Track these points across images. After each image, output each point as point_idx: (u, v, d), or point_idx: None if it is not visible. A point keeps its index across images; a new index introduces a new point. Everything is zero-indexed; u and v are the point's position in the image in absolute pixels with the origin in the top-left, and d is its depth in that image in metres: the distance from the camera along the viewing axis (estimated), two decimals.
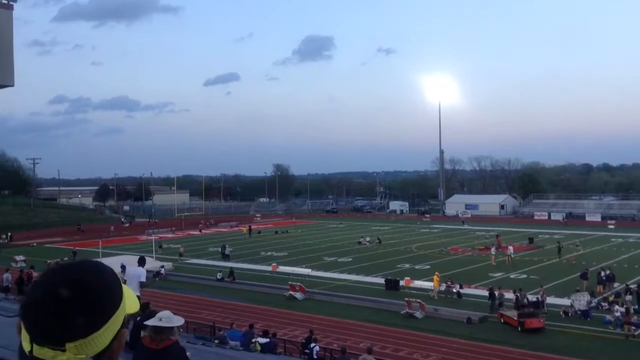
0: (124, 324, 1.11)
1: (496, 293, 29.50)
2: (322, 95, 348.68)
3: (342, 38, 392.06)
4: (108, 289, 1.07)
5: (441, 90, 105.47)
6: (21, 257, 45.52)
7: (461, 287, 33.03)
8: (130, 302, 1.14)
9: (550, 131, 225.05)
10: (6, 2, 7.97)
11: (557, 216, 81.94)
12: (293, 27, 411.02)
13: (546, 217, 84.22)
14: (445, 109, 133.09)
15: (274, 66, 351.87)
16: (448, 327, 26.32)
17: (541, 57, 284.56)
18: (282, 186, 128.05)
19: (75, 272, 1.06)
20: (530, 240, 55.07)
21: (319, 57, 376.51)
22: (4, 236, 60.57)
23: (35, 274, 33.49)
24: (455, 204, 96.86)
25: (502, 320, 26.77)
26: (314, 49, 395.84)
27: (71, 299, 1.00)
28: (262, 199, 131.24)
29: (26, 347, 1.02)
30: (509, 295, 29.26)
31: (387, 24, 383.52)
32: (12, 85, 8.33)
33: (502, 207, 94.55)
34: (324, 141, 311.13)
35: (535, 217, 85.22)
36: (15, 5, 8.14)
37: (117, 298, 1.08)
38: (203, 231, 72.67)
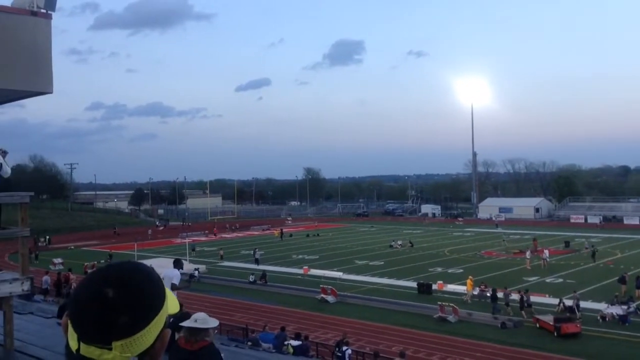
0: (166, 324, 1.14)
1: (500, 294, 29.43)
2: (353, 98, 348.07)
3: (373, 42, 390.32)
4: (152, 289, 1.11)
5: (473, 92, 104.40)
6: (59, 260, 46.62)
7: (495, 291, 32.49)
8: (172, 303, 1.17)
9: (586, 133, 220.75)
10: (45, 11, 8.18)
11: (594, 219, 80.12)
12: (323, 32, 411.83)
13: (582, 221, 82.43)
14: (478, 111, 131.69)
15: (305, 71, 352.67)
16: (482, 332, 25.97)
17: (577, 58, 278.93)
18: (313, 190, 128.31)
19: (121, 273, 1.10)
20: (567, 243, 53.97)
21: (350, 61, 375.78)
22: (42, 239, 62.10)
23: (72, 277, 34.30)
24: (489, 207, 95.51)
25: (537, 325, 26.29)
26: (345, 53, 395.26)
27: (117, 298, 1.04)
28: (293, 203, 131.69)
29: (73, 345, 1.06)
30: (539, 298, 28.78)
31: (417, 27, 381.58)
32: (51, 93, 8.53)
33: (537, 210, 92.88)
34: (354, 144, 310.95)
35: (572, 221, 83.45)
36: (53, 15, 8.37)
37: (160, 298, 1.12)
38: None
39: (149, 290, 1.11)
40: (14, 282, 6.81)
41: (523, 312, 28.03)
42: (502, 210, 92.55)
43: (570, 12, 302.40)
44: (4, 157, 7.61)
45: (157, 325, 1.10)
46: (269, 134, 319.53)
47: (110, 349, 1.04)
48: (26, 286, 6.92)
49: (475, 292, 32.30)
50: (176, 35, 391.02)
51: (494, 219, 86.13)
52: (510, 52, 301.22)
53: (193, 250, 51.64)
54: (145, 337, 1.07)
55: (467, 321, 27.75)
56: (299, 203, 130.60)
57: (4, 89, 8.07)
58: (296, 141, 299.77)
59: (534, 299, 31.39)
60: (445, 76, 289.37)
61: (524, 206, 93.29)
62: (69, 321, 1.08)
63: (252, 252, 49.11)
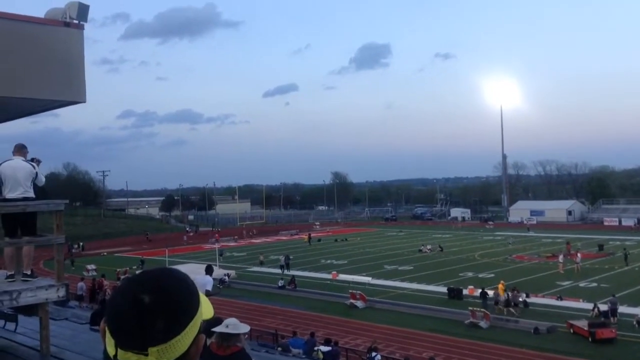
0: (201, 330, 1.15)
1: (490, 293, 30.37)
2: (380, 102, 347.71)
3: (399, 45, 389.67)
4: (187, 295, 1.12)
5: (502, 94, 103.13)
6: (92, 267, 47.37)
7: (527, 296, 32.02)
8: (206, 308, 1.18)
9: (619, 133, 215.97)
10: (77, 22, 8.34)
11: (629, 222, 78.21)
12: (350, 36, 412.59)
13: (617, 223, 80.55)
14: (508, 113, 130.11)
15: (331, 75, 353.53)
16: (514, 338, 25.55)
17: (608, 55, 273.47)
18: (340, 194, 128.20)
19: (156, 279, 1.12)
20: (600, 247, 52.81)
21: (376, 65, 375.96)
22: (75, 246, 63.27)
23: (106, 283, 34.85)
24: (520, 211, 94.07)
25: (572, 331, 25.77)
26: (371, 56, 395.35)
27: (153, 304, 1.06)
28: (321, 207, 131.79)
29: (111, 351, 1.08)
30: (572, 303, 28.23)
31: (444, 30, 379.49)
32: (84, 102, 8.69)
33: (569, 213, 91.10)
34: (382, 148, 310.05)
35: (605, 223, 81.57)
36: (86, 25, 8.55)
37: (195, 304, 1.13)
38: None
39: (184, 296, 1.12)
40: (50, 288, 6.95)
41: (511, 309, 28.90)
42: (534, 213, 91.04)
43: (601, 8, 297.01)
44: (38, 166, 7.79)
45: (192, 330, 1.11)
46: (296, 139, 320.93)
47: (147, 355, 1.05)
48: (62, 292, 7.05)
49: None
50: (204, 43, 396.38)
51: (525, 222, 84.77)
52: (539, 52, 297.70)
53: (221, 255, 52.03)
54: (180, 343, 1.08)
55: (499, 327, 27.34)
56: (326, 208, 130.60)
57: (38, 99, 8.26)
58: (323, 146, 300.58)
59: (567, 303, 30.94)
60: (473, 78, 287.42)
61: (556, 209, 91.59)
62: (106, 327, 1.09)
63: (280, 257, 48.93)
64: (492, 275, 40.07)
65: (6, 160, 7.51)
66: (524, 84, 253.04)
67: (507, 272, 41.05)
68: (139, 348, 1.05)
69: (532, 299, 31.83)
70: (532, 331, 26.13)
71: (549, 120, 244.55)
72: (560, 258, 42.42)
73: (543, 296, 33.15)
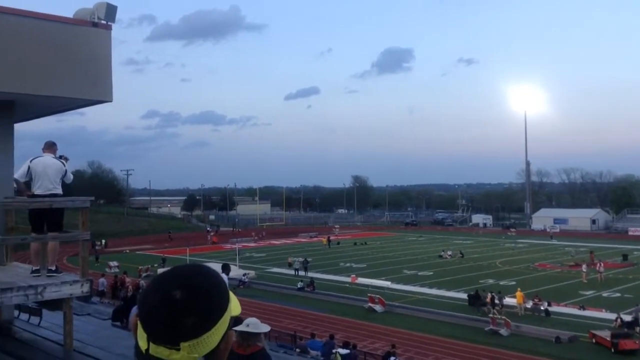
0: (230, 327, 1.17)
1: (482, 295, 31.81)
2: (401, 106, 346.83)
3: (422, 49, 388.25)
4: (218, 291, 1.14)
5: (527, 100, 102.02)
6: (115, 263, 47.95)
7: (549, 304, 31.60)
8: (235, 305, 1.20)
9: None
10: (105, 22, 8.46)
11: None
12: (372, 41, 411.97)
13: None
14: (532, 119, 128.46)
15: (353, 79, 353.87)
16: (535, 346, 25.24)
17: (633, 62, 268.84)
18: (360, 197, 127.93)
19: (187, 275, 1.13)
20: (624, 257, 51.89)
21: (399, 69, 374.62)
22: (99, 243, 64.07)
23: (128, 280, 35.21)
24: (543, 218, 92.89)
25: (594, 341, 25.37)
26: (394, 61, 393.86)
27: (185, 300, 1.07)
28: (340, 210, 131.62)
29: (143, 345, 1.10)
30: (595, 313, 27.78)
31: (467, 35, 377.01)
32: (111, 101, 8.82)
33: (593, 222, 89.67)
34: (403, 153, 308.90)
35: (630, 233, 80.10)
36: (113, 26, 8.68)
37: (225, 300, 1.15)
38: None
39: (214, 292, 1.13)
40: (74, 284, 7.06)
41: (495, 310, 29.82)
42: (557, 221, 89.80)
43: (629, 14, 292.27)
44: (66, 163, 7.91)
45: (222, 326, 1.12)
46: (317, 142, 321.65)
47: (179, 350, 1.07)
48: (85, 288, 7.16)
49: (529, 305, 31.45)
50: (228, 46, 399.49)
51: (548, 230, 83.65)
52: (564, 58, 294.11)
53: (238, 255, 52.08)
54: (211, 338, 1.10)
55: (520, 335, 27.03)
56: (346, 211, 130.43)
57: (66, 97, 8.40)
58: (344, 149, 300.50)
59: (590, 313, 30.55)
60: (496, 83, 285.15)
61: (580, 217, 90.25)
62: (138, 322, 1.11)
63: (299, 259, 48.90)
64: (514, 282, 39.61)
65: (37, 157, 7.64)
66: (548, 90, 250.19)
67: (529, 280, 40.54)
68: (171, 343, 1.07)
69: (554, 308, 31.42)
70: (554, 340, 25.79)
71: (573, 127, 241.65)
72: (584, 267, 41.79)
73: (565, 305, 32.70)
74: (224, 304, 1.14)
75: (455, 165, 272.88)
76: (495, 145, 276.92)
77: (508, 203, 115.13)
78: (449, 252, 55.89)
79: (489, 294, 31.82)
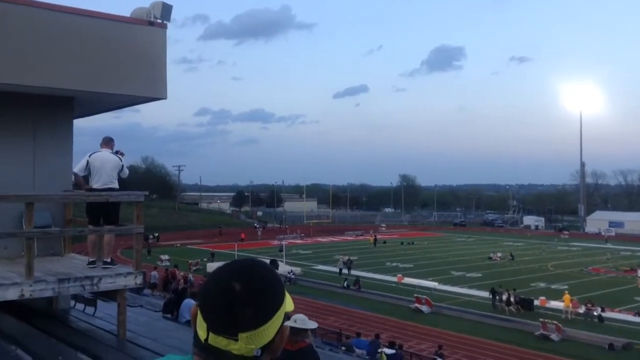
0: (284, 320, 1.19)
1: (497, 292, 32.91)
2: (451, 105, 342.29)
3: (474, 47, 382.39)
4: (275, 285, 1.17)
5: (582, 99, 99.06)
6: (166, 257, 49.14)
7: (603, 310, 30.60)
8: (289, 301, 1.22)
9: None
10: (161, 21, 8.66)
11: None
12: (422, 39, 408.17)
13: None
14: (587, 119, 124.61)
15: (402, 77, 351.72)
16: (587, 352, 24.49)
17: None
18: (408, 197, 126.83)
19: (246, 268, 1.17)
20: None
21: (449, 68, 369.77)
22: (151, 237, 65.73)
23: (178, 273, 36.04)
24: (598, 221, 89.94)
25: None
26: (444, 59, 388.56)
27: (244, 292, 1.11)
28: (387, 209, 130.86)
29: (202, 335, 1.13)
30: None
31: (520, 32, 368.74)
32: (165, 98, 9.02)
33: None
34: (452, 152, 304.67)
35: None
36: (168, 25, 8.88)
37: (281, 294, 1.18)
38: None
39: (272, 286, 1.16)
40: (129, 275, 7.28)
41: (511, 307, 31.03)
42: (612, 224, 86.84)
43: None
44: (122, 158, 8.15)
45: (278, 319, 1.15)
46: (364, 140, 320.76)
47: (237, 340, 1.10)
48: (139, 280, 7.37)
49: (581, 310, 30.55)
50: (279, 45, 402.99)
51: (603, 233, 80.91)
52: (622, 56, 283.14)
53: (280, 251, 52.64)
54: (268, 331, 1.12)
55: (572, 340, 26.27)
56: (393, 210, 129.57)
57: (123, 95, 8.66)
58: (392, 147, 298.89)
59: None
60: (550, 82, 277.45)
61: (637, 221, 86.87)
62: (198, 312, 1.14)
63: (343, 257, 48.72)
64: (566, 286, 38.45)
65: (95, 152, 7.90)
66: (605, 89, 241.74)
67: (582, 285, 39.37)
68: (230, 333, 1.10)
69: (607, 314, 30.41)
70: (607, 347, 24.97)
71: (631, 127, 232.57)
72: (639, 272, 40.27)
73: (619, 311, 31.64)
74: (281, 297, 1.17)
75: (506, 166, 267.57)
76: (548, 145, 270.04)
77: (561, 205, 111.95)
78: (499, 254, 54.79)
79: (506, 292, 32.41)
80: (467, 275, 44.12)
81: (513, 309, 31.05)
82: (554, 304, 32.93)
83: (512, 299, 31.63)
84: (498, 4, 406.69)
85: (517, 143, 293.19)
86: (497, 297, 32.73)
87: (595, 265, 50.32)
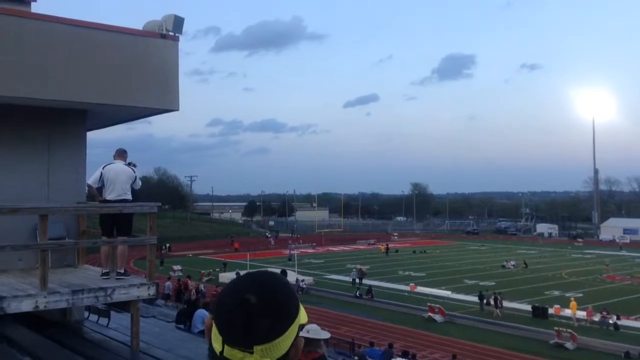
0: (299, 333, 1.19)
1: (485, 295, 34.18)
2: (462, 113, 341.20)
3: (484, 55, 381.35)
4: (289, 297, 1.17)
5: (595, 105, 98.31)
6: (178, 267, 49.11)
7: (618, 318, 30.21)
8: (303, 313, 1.22)
9: None
10: (173, 34, 8.75)
11: None
12: (433, 47, 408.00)
13: None
14: (600, 125, 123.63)
15: (413, 86, 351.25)
16: None
17: None
18: (419, 205, 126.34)
19: (261, 281, 1.17)
20: None
21: (459, 76, 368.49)
22: (163, 247, 65.92)
23: (191, 283, 36.01)
24: (612, 228, 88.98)
25: None
26: (454, 67, 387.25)
27: (259, 305, 1.11)
28: (399, 218, 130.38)
29: (217, 347, 1.13)
30: None
31: (531, 39, 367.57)
32: (178, 110, 9.08)
33: None
34: (463, 160, 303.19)
35: None
36: (180, 37, 8.98)
37: (296, 307, 1.17)
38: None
39: (287, 298, 1.16)
40: (142, 286, 7.30)
41: (498, 310, 32.12)
42: (627, 231, 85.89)
43: None
44: (135, 170, 8.21)
45: (293, 332, 1.15)
46: (376, 149, 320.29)
47: (252, 353, 1.10)
48: (152, 291, 7.40)
49: (596, 318, 30.20)
50: (290, 56, 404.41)
51: (617, 240, 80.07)
52: (635, 62, 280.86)
53: (289, 260, 52.38)
54: (283, 343, 1.12)
55: (587, 349, 25.96)
56: (405, 218, 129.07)
57: (136, 107, 8.74)
58: (403, 156, 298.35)
59: None
60: (562, 89, 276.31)
61: None
62: (213, 324, 1.15)
63: (356, 267, 48.56)
64: (580, 294, 38.07)
65: (109, 164, 7.97)
66: (618, 95, 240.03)
67: (597, 293, 38.92)
68: (245, 346, 1.10)
69: (623, 322, 30.03)
70: (623, 355, 24.64)
71: None
72: None
73: (635, 319, 31.24)
74: (295, 310, 1.17)
75: (519, 173, 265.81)
76: (561, 152, 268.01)
77: (575, 212, 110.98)
78: (512, 262, 54.32)
79: (493, 294, 33.90)
80: (481, 283, 43.72)
81: (499, 313, 32.13)
82: (569, 312, 32.58)
83: (499, 303, 32.76)
84: (508, 11, 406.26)
85: (530, 150, 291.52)
86: (485, 301, 33.77)
87: (611, 272, 49.74)
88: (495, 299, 33.08)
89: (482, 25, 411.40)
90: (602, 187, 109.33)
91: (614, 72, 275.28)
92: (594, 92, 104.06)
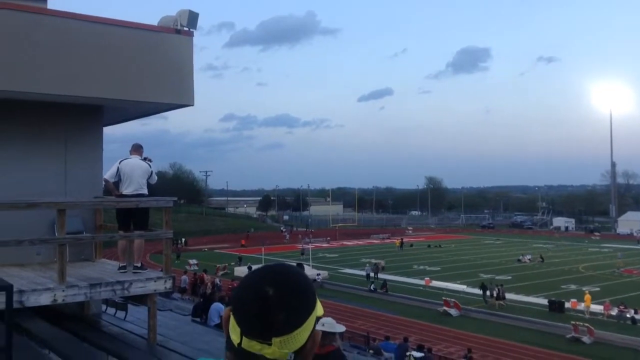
0: (316, 325, 1.19)
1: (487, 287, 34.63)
2: (477, 107, 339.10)
3: (500, 48, 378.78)
4: (306, 290, 1.17)
5: (612, 98, 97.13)
6: (194, 261, 49.51)
7: (636, 312, 29.90)
8: (319, 306, 1.23)
9: None
10: (187, 29, 8.78)
11: None
12: (448, 40, 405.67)
13: None
14: (618, 118, 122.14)
15: (427, 80, 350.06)
16: (620, 355, 24.00)
17: None
18: (434, 199, 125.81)
19: (279, 273, 1.17)
20: None
21: (474, 69, 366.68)
22: (179, 241, 66.34)
23: (207, 277, 36.31)
24: (630, 222, 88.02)
25: None
26: (470, 60, 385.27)
27: (277, 297, 1.11)
28: (414, 212, 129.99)
29: (235, 339, 1.14)
30: None
31: (548, 32, 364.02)
32: (192, 105, 9.12)
33: None
34: (478, 153, 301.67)
35: None
36: (194, 33, 9.01)
37: (313, 299, 1.18)
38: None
39: (304, 291, 1.17)
40: (158, 280, 7.37)
41: (501, 302, 32.70)
42: None
43: None
44: (151, 164, 8.26)
45: (310, 324, 1.15)
46: (389, 143, 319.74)
47: (270, 345, 1.11)
48: (168, 284, 7.46)
49: (613, 313, 29.95)
50: (303, 50, 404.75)
51: (635, 234, 79.17)
52: None
53: (302, 254, 52.37)
54: (300, 335, 1.13)
55: (604, 343, 25.74)
56: (419, 213, 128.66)
57: (152, 102, 8.80)
58: (417, 150, 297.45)
59: None
60: (579, 82, 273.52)
61: None
62: (231, 316, 1.16)
63: (371, 261, 48.56)
64: (598, 288, 37.75)
65: (125, 159, 8.03)
66: (636, 88, 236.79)
67: (614, 287, 38.56)
68: (263, 338, 1.10)
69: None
70: None
71: None
72: None
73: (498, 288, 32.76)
74: (312, 302, 1.17)
75: (535, 167, 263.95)
76: (578, 145, 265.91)
77: (591, 206, 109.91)
78: (528, 256, 53.96)
79: (496, 287, 34.40)
80: (497, 277, 43.48)
81: (503, 304, 32.62)
82: (586, 306, 32.34)
83: (501, 294, 33.32)
84: (524, 4, 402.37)
85: (546, 144, 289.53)
86: (488, 293, 34.23)
87: (628, 266, 49.24)
88: (499, 291, 33.56)
89: (498, 18, 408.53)
90: (620, 180, 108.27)
91: (632, 65, 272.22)
92: (612, 84, 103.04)
